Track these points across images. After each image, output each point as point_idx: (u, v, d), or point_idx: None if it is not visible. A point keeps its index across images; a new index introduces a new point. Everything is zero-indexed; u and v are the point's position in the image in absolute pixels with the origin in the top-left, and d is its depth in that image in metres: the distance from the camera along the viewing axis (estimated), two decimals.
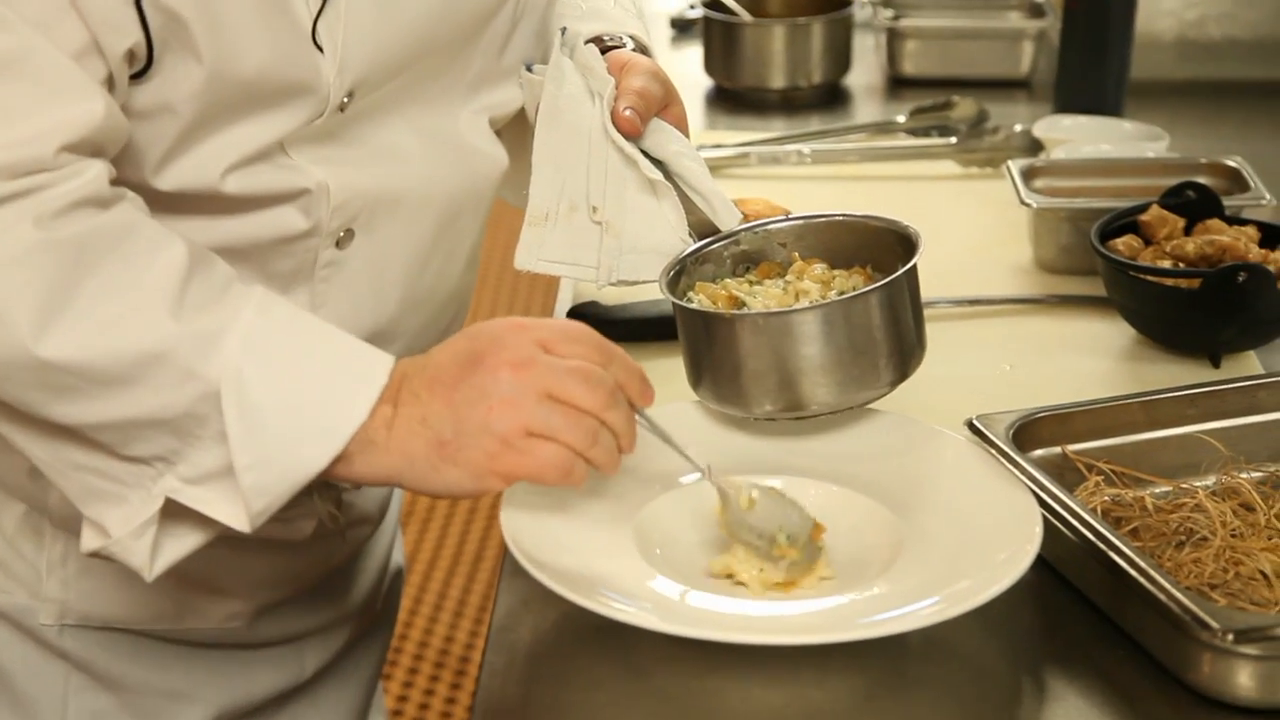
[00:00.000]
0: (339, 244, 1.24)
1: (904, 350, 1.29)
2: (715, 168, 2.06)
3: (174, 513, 1.11)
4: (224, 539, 1.32)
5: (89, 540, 1.12)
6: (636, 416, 1.15)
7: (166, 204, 1.17)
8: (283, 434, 1.08)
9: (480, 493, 1.11)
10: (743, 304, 1.32)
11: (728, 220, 1.35)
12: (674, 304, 1.30)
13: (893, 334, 1.27)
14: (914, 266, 1.29)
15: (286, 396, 1.08)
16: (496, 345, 1.10)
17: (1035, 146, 2.04)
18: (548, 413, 1.09)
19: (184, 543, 1.13)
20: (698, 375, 1.31)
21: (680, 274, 1.34)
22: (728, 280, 1.35)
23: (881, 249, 1.34)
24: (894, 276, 1.27)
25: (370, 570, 1.51)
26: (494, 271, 4.23)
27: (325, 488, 1.37)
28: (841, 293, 1.30)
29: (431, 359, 1.12)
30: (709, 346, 1.28)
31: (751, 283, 1.35)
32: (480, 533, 3.33)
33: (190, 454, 1.09)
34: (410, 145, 1.26)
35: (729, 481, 1.21)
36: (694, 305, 1.31)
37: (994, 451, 1.26)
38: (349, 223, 1.23)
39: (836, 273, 1.34)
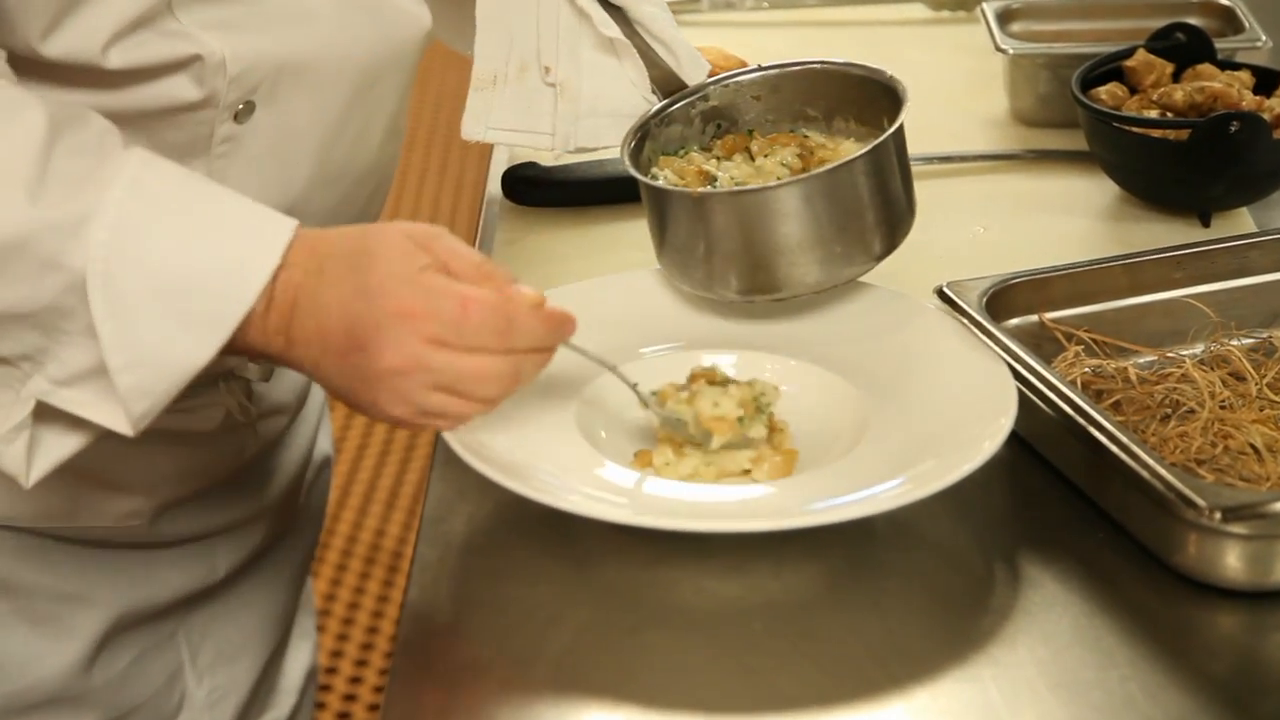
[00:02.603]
0: (237, 118, 1.21)
1: (892, 219, 1.28)
2: None
3: (52, 411, 1.10)
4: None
5: None
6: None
7: (51, 75, 1.14)
8: (158, 328, 1.06)
9: None
10: (714, 179, 1.31)
11: (694, 74, 1.34)
12: (640, 182, 1.28)
13: (879, 203, 1.26)
14: (900, 127, 1.27)
15: (160, 286, 1.06)
16: (379, 336, 1.06)
17: None
18: (440, 402, 1.08)
19: (66, 443, 1.11)
20: (668, 256, 1.30)
21: (644, 139, 1.33)
22: (693, 154, 1.33)
23: (863, 102, 1.32)
24: (877, 142, 1.25)
25: (290, 462, 1.51)
26: (422, 136, 4.20)
27: (233, 377, 1.37)
28: (822, 161, 1.29)
29: (320, 298, 1.07)
30: (677, 227, 1.27)
31: (719, 159, 1.34)
32: None
33: (58, 351, 1.08)
34: (319, 3, 1.23)
35: (657, 396, 1.21)
36: (660, 184, 1.29)
37: (965, 321, 1.26)
38: (248, 95, 1.20)
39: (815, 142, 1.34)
